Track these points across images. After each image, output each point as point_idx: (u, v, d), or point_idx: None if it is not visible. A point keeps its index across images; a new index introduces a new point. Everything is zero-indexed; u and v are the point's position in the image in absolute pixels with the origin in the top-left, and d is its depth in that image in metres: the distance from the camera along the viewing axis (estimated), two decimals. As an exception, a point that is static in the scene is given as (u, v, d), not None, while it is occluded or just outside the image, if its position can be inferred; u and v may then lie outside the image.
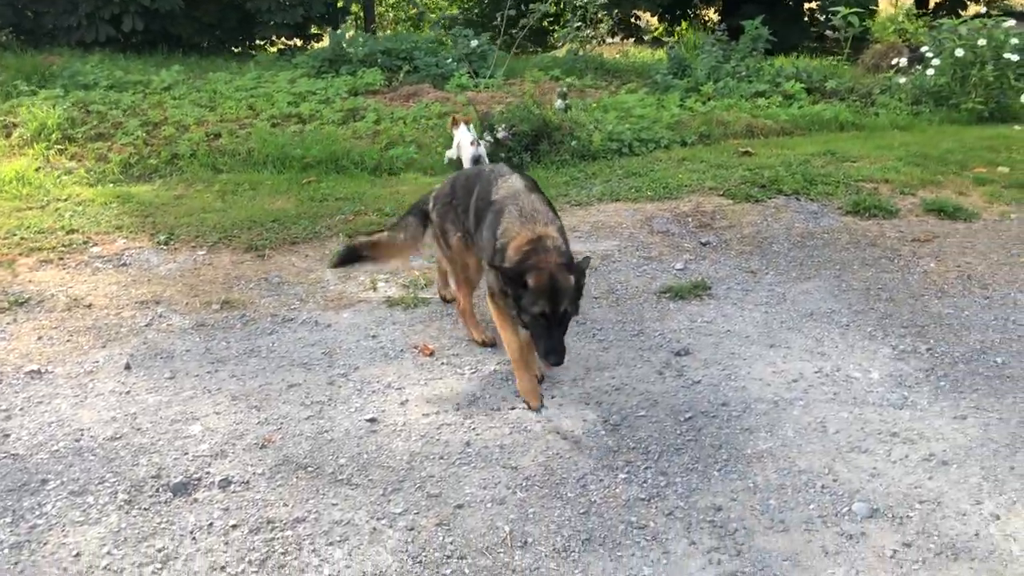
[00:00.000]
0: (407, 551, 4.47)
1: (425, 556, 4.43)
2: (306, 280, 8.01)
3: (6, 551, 4.49)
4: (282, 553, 4.47)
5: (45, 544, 4.54)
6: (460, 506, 4.81)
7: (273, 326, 7.11)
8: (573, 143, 11.98)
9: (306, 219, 9.31)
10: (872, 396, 5.87)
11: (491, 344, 6.21)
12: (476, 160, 10.93)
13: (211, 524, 4.69)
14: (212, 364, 6.47)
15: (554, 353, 4.88)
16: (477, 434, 5.51)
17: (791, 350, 6.56)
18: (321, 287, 7.87)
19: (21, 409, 5.82)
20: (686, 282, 7.83)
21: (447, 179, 6.33)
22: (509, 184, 5.33)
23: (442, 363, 6.41)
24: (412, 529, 4.63)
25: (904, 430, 5.46)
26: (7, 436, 5.52)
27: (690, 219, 9.62)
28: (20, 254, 8.50)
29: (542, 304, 4.75)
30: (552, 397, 5.84)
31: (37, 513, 4.80)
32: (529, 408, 5.48)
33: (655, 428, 5.56)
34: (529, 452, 5.22)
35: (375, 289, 7.85)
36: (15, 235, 8.92)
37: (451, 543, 4.52)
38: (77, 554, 4.52)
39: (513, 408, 5.76)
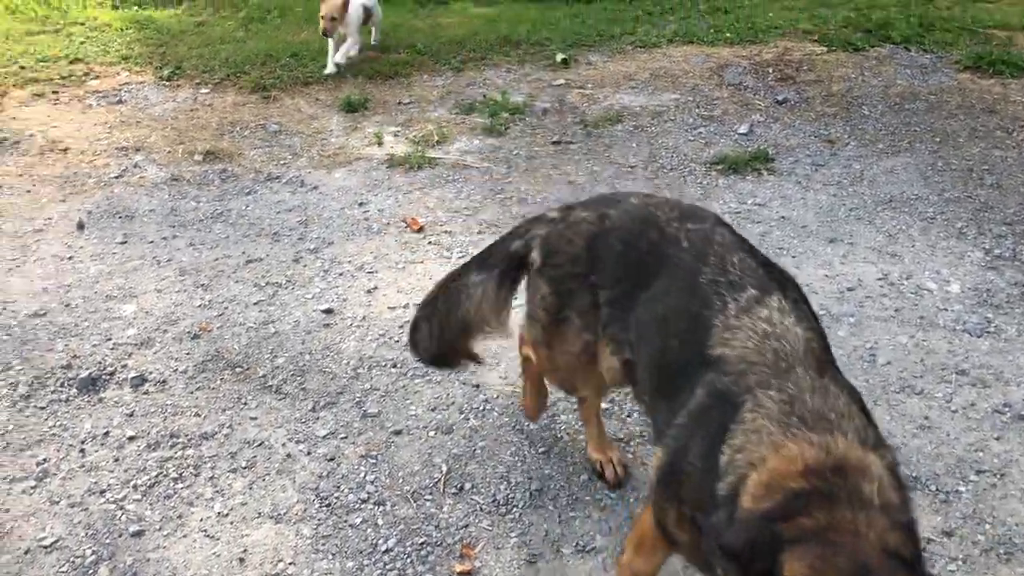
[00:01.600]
0: (317, 489, 3.68)
1: (337, 498, 3.64)
2: (307, 129, 7.05)
3: None
4: (174, 479, 3.75)
5: None
6: (398, 432, 3.97)
7: (254, 185, 6.25)
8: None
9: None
10: (945, 317, 4.64)
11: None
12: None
13: (107, 433, 3.99)
14: (172, 228, 5.69)
15: None
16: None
17: (854, 247, 5.31)
18: (321, 139, 6.91)
19: (-51, 272, 5.19)
20: (745, 151, 6.53)
21: (582, 211, 2.91)
22: (761, 316, 2.23)
23: (429, 242, 5.45)
24: (332, 459, 3.83)
25: (977, 367, 4.26)
26: (-78, 305, 4.91)
27: (770, 70, 8.13)
28: (15, 85, 7.80)
29: None
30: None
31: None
32: None
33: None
34: (499, 367, 4.27)
35: (380, 143, 6.85)
36: (16, 63, 8.22)
37: (372, 482, 3.70)
38: (-53, 461, 3.90)
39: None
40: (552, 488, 3.65)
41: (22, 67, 8.09)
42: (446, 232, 5.53)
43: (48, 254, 5.36)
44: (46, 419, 4.10)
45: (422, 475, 3.73)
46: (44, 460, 3.88)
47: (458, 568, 3.31)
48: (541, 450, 3.83)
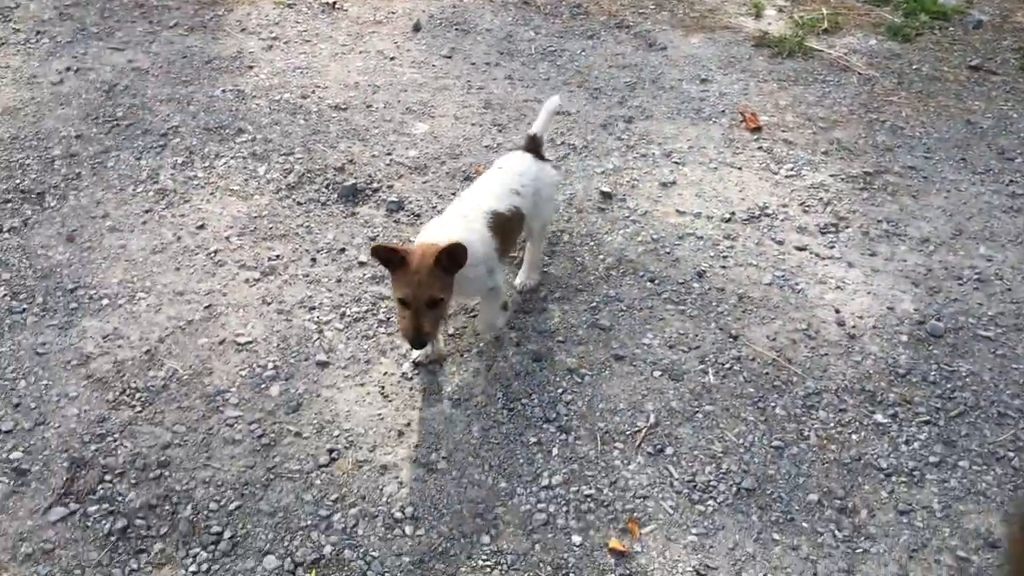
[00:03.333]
0: (509, 387, 3.23)
1: (524, 404, 3.17)
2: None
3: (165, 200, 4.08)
4: (380, 321, 3.51)
5: (183, 209, 4.05)
6: (619, 358, 3.39)
7: (600, 29, 5.70)
8: None
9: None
10: None
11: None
12: None
13: (343, 251, 3.85)
14: (499, 55, 5.34)
15: None
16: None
17: None
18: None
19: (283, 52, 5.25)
20: None
21: None
22: None
23: (760, 147, 4.59)
24: (537, 360, 3.34)
25: None
26: (251, 69, 5.02)
27: None
28: None
29: None
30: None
31: (200, 166, 4.30)
32: None
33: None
34: (772, 323, 3.49)
35: (758, 15, 5.89)
36: None
37: (567, 403, 3.19)
38: (201, 225, 3.96)
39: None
40: (768, 495, 2.89)
41: None
42: (785, 141, 4.59)
43: (374, 49, 5.23)
44: (298, 216, 4.00)
45: (623, 417, 3.13)
46: (277, 256, 3.79)
47: (613, 543, 2.73)
48: (775, 443, 3.05)
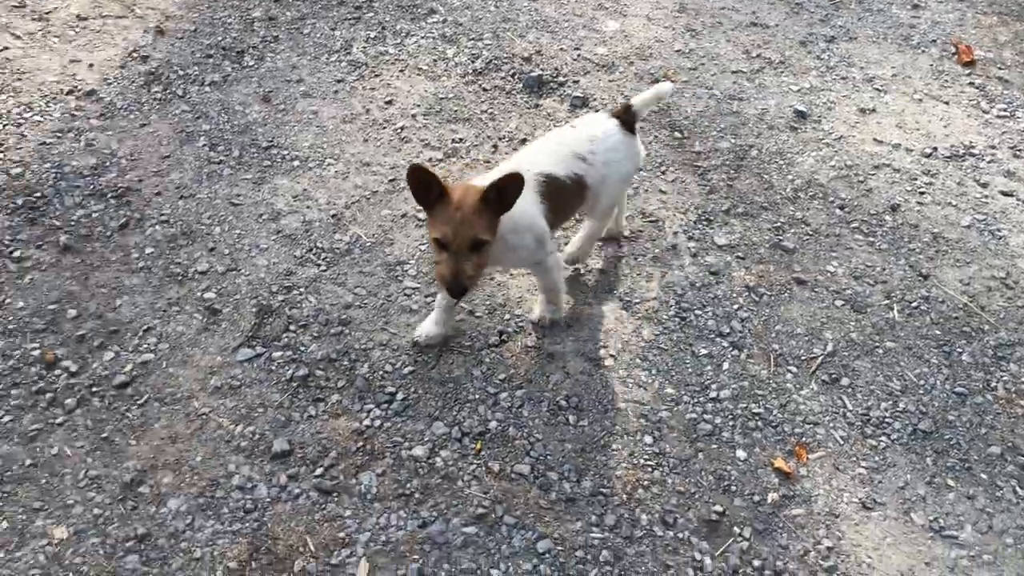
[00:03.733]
0: (682, 295, 3.20)
1: (697, 316, 3.13)
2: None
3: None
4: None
5: (373, 83, 4.10)
6: (801, 282, 3.29)
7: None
8: None
9: None
10: None
11: None
12: None
13: (523, 141, 3.79)
14: None
15: None
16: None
17: None
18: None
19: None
20: None
21: None
22: None
23: (971, 83, 4.28)
24: (715, 273, 3.30)
25: None
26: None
27: None
28: None
29: None
30: None
31: (391, 43, 4.32)
32: None
33: None
34: (967, 268, 3.31)
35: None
36: None
37: (742, 320, 3.13)
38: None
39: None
40: (946, 440, 2.78)
41: None
42: (1000, 79, 4.26)
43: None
44: (482, 102, 4.00)
45: (800, 342, 3.04)
46: (460, 140, 3.81)
47: (778, 462, 2.69)
48: (959, 390, 2.91)
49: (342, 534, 2.44)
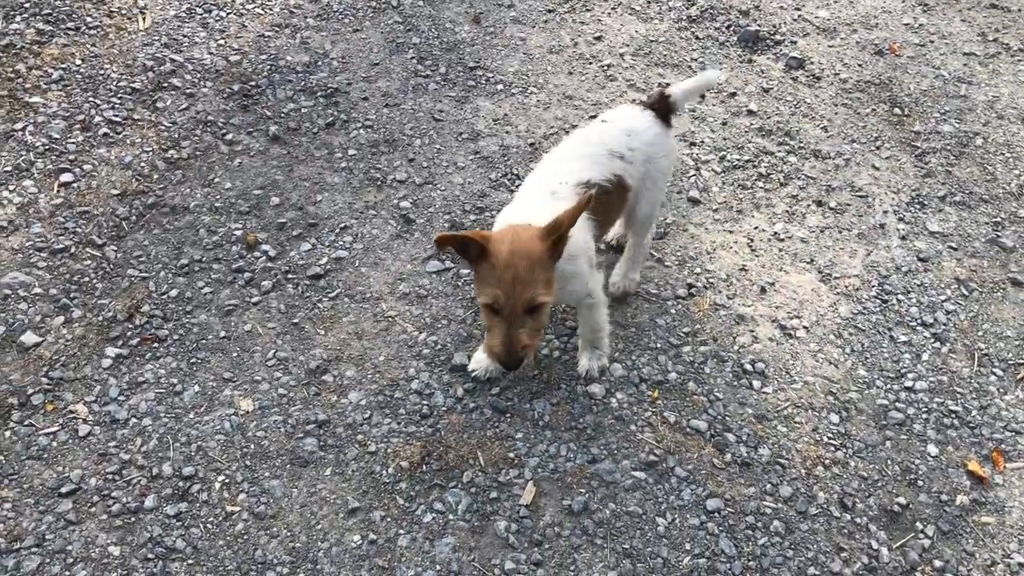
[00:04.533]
0: (886, 276, 3.05)
1: (899, 301, 2.98)
2: None
3: None
4: (761, 175, 3.36)
5: (583, 17, 4.01)
6: (1017, 284, 3.04)
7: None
8: None
9: None
10: None
11: None
12: None
13: (733, 95, 3.65)
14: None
15: None
16: None
17: None
18: None
19: None
20: None
21: None
22: None
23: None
24: (924, 260, 3.11)
25: None
26: None
27: None
28: None
29: None
30: None
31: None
32: None
33: None
34: None
35: None
36: None
37: (947, 312, 2.94)
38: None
39: None
40: None
41: None
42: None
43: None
44: (693, 50, 3.89)
45: (1009, 345, 2.84)
46: (667, 84, 3.68)
47: (972, 465, 2.53)
48: None
49: (511, 454, 2.43)
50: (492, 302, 2.04)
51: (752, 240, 3.11)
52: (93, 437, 2.39)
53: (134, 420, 2.44)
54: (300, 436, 2.44)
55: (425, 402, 2.54)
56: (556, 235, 2.02)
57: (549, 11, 3.99)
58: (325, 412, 2.49)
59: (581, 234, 2.26)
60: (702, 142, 3.45)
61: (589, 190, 2.25)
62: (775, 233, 3.13)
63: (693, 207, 3.21)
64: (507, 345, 2.06)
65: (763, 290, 2.94)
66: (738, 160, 3.38)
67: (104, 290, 2.76)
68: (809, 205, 3.24)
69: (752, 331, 2.82)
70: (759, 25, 3.95)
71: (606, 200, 2.38)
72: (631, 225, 2.73)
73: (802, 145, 3.46)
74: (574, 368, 2.63)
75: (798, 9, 4.07)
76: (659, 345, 2.76)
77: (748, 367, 2.72)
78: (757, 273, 3.00)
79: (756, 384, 2.67)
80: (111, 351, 2.60)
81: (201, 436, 2.42)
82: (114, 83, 3.44)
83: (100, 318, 2.68)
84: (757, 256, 3.06)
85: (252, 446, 2.41)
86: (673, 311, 2.87)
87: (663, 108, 2.62)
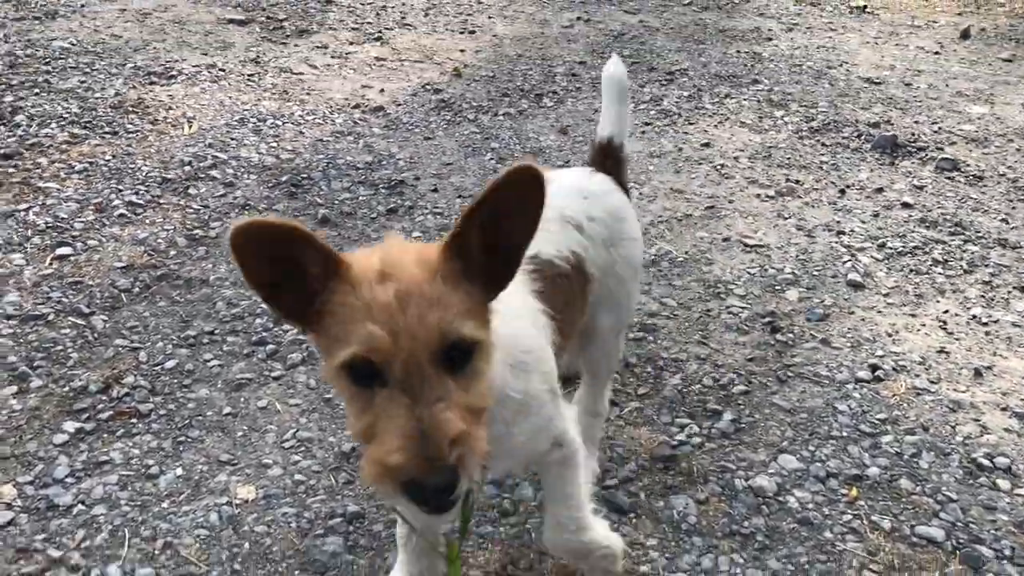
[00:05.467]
0: None
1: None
2: None
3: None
4: (936, 262, 2.62)
5: (686, 128, 3.51)
6: None
7: None
8: None
9: None
10: None
11: None
12: None
13: (880, 190, 3.03)
14: None
15: None
16: None
17: None
18: None
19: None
20: None
21: None
22: None
23: None
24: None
25: None
26: (770, 41, 4.49)
27: None
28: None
29: None
30: None
31: (708, 100, 3.77)
32: None
33: None
34: None
35: None
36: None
37: None
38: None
39: None
40: None
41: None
42: None
43: (913, 44, 4.51)
44: (822, 154, 3.28)
45: None
46: (796, 182, 3.07)
47: None
48: None
49: (645, 567, 1.52)
50: (366, 352, 0.99)
51: (946, 323, 2.31)
52: (14, 527, 1.59)
53: (80, 507, 1.67)
54: (320, 533, 1.62)
55: (507, 494, 1.69)
56: (455, 238, 1.04)
57: (646, 124, 3.50)
58: (359, 504, 1.65)
59: (528, 322, 1.33)
60: (852, 231, 2.76)
61: (540, 268, 1.42)
62: (974, 316, 2.32)
63: (856, 291, 2.46)
64: (418, 440, 0.97)
65: (978, 373, 2.09)
66: (902, 247, 2.67)
67: (80, 360, 2.08)
68: (1011, 291, 2.45)
69: (977, 420, 1.96)
70: (895, 132, 3.38)
71: (565, 287, 1.49)
72: (587, 350, 1.73)
73: (981, 235, 2.74)
74: (724, 458, 1.76)
75: (936, 123, 3.51)
76: (845, 433, 1.90)
77: (985, 462, 1.82)
78: (964, 356, 2.17)
79: (1003, 484, 1.76)
80: (70, 425, 1.89)
81: (174, 530, 1.61)
82: (143, 174, 2.97)
83: (66, 388, 1.98)
84: (957, 339, 2.24)
85: (247, 545, 1.59)
86: (857, 395, 2.03)
87: (612, 161, 1.76)
